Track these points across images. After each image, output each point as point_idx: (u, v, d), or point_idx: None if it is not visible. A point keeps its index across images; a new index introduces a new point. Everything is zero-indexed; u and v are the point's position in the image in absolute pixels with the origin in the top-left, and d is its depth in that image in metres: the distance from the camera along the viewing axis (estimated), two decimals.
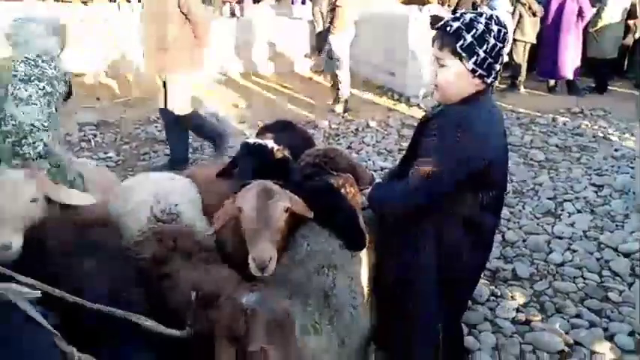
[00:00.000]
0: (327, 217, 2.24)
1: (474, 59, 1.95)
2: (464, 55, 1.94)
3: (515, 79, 9.15)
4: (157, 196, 2.42)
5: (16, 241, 2.12)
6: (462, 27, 1.95)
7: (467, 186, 2.03)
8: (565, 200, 4.90)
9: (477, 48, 1.94)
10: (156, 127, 6.94)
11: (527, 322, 3.20)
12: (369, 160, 5.91)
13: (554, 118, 7.57)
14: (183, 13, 4.73)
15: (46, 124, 2.72)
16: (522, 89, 9.14)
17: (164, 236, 2.30)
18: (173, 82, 4.96)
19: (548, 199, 4.91)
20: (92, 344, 1.70)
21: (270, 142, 2.68)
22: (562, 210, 4.71)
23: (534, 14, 8.64)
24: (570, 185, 5.26)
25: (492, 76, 2.01)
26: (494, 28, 1.96)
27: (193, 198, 2.60)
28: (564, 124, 7.40)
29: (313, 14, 10.11)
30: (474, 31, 1.94)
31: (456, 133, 1.92)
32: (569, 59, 8.66)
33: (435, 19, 8.64)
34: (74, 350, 1.58)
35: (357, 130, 7.12)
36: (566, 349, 2.97)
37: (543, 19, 8.77)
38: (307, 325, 1.94)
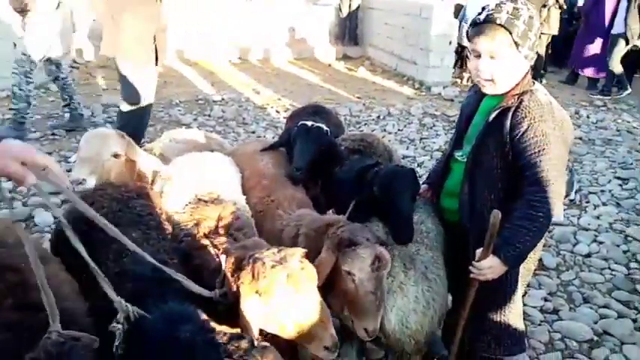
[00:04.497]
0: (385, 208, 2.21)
1: (528, 44, 1.95)
2: (520, 42, 1.94)
3: (536, 72, 9.06)
4: (198, 177, 2.46)
5: (90, 181, 2.46)
6: (511, 16, 1.93)
7: None
8: (590, 193, 4.88)
9: (529, 33, 1.94)
10: (179, 110, 6.99)
11: (556, 311, 3.22)
12: None
13: (577, 111, 7.51)
14: None
15: None
16: (543, 81, 9.05)
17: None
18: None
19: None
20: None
21: (324, 125, 2.65)
22: (587, 202, 4.70)
23: (561, 7, 8.57)
24: (595, 178, 5.24)
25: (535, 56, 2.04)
26: (531, 8, 1.98)
27: (233, 176, 2.63)
28: (587, 117, 7.34)
29: None
30: (522, 17, 1.94)
31: (553, 124, 1.94)
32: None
33: (458, 9, 8.59)
34: (122, 301, 1.55)
35: (378, 117, 7.11)
36: (595, 338, 2.99)
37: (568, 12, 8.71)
38: (394, 285, 2.09)
